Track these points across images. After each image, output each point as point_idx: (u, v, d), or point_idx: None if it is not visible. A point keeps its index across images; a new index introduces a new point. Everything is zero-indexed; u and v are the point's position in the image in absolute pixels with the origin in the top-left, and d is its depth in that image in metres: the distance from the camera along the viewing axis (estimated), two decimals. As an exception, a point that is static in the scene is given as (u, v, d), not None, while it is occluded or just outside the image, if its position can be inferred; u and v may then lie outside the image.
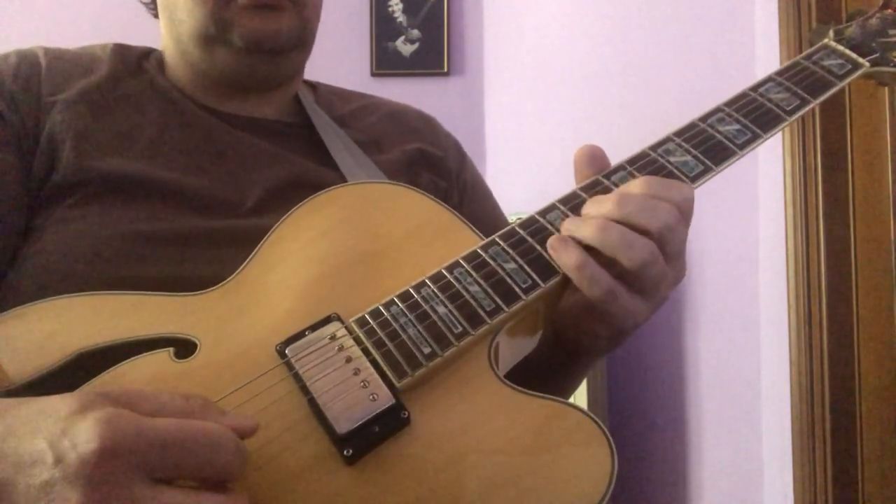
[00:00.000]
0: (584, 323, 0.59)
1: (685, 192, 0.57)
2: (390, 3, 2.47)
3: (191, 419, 0.43)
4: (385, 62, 2.47)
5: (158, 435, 0.40)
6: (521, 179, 2.21)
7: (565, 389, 0.76)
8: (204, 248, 0.67)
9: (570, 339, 0.63)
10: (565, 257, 0.55)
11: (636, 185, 0.57)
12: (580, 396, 1.70)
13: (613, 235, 0.54)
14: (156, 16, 0.82)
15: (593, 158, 0.62)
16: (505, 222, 0.88)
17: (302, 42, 0.77)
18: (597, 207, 0.57)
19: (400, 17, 2.47)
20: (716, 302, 1.58)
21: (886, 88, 1.28)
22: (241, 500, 0.43)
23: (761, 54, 1.43)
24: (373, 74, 2.46)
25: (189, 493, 0.40)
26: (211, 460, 0.41)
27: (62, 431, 0.39)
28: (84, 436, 0.39)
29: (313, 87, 0.89)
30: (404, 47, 2.47)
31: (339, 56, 2.44)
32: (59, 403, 0.42)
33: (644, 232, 0.55)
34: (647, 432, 1.78)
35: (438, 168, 0.85)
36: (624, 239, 0.54)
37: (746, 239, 1.48)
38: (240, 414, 0.48)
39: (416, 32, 2.47)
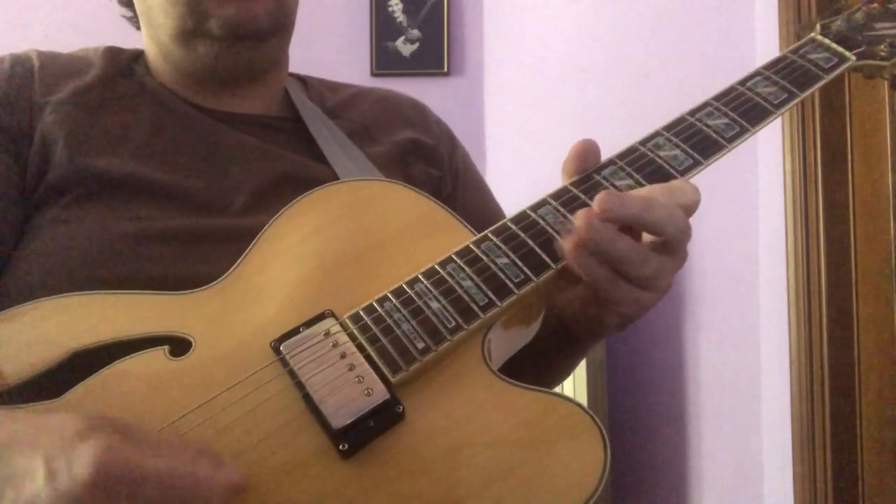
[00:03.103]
0: (591, 311, 0.60)
1: (690, 195, 0.58)
2: (390, 3, 2.47)
3: (186, 466, 0.43)
4: (385, 62, 2.47)
5: (150, 473, 0.41)
6: (521, 179, 2.21)
7: (567, 370, 0.78)
8: (196, 247, 0.67)
9: (578, 327, 0.64)
10: (584, 262, 0.55)
11: (658, 192, 0.58)
12: (580, 397, 1.70)
13: (618, 250, 0.54)
14: (138, 28, 0.83)
15: (587, 154, 0.62)
16: (498, 209, 0.89)
17: (281, 26, 0.76)
18: (620, 204, 0.55)
19: (400, 17, 2.47)
20: (716, 301, 1.58)
21: (887, 88, 1.28)
22: None
23: (761, 54, 1.43)
24: (373, 74, 2.46)
25: None
26: None
27: (60, 450, 0.40)
28: (81, 459, 0.39)
29: (304, 81, 0.89)
30: (404, 47, 2.48)
31: (339, 56, 2.44)
32: (64, 422, 0.42)
33: (659, 234, 0.56)
34: (647, 432, 1.78)
35: (431, 157, 0.85)
36: (627, 250, 0.55)
37: (746, 239, 1.48)
38: (234, 470, 0.47)
39: (416, 32, 2.47)
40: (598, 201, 0.54)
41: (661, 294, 0.59)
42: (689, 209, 0.57)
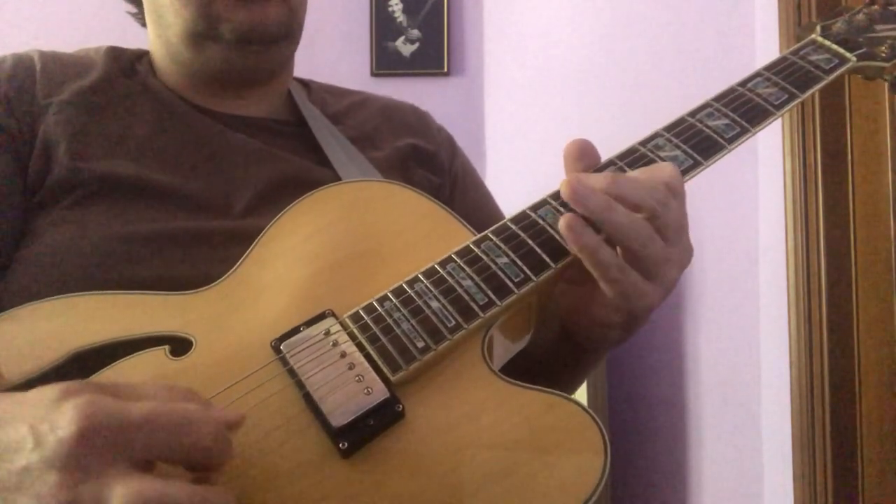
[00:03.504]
0: (597, 312, 0.59)
1: (669, 171, 0.57)
2: (390, 3, 2.47)
3: (172, 405, 0.43)
4: (385, 62, 2.47)
5: (136, 416, 0.40)
6: (521, 179, 2.21)
7: (573, 383, 0.77)
8: (198, 249, 0.67)
9: (582, 333, 0.63)
10: (585, 239, 0.54)
11: (634, 173, 0.58)
12: (580, 396, 1.70)
13: (619, 216, 0.53)
14: (143, 24, 0.82)
15: (583, 154, 0.62)
16: (497, 212, 0.89)
17: (290, 32, 0.77)
18: (593, 181, 0.55)
19: (400, 17, 2.47)
20: (716, 301, 1.58)
21: (887, 88, 1.28)
22: (219, 493, 0.42)
23: (761, 54, 1.43)
24: (373, 74, 2.47)
25: (163, 480, 0.40)
26: (188, 441, 0.41)
27: (42, 417, 0.40)
28: (63, 419, 0.39)
29: (306, 85, 0.90)
30: (404, 47, 2.48)
31: (339, 56, 2.44)
32: (43, 392, 0.42)
33: (637, 208, 0.54)
34: (647, 431, 1.78)
35: (431, 163, 0.85)
36: (627, 218, 0.54)
37: (746, 239, 1.48)
38: (227, 408, 0.47)
39: (416, 32, 2.47)
40: (565, 183, 0.54)
41: (665, 290, 0.57)
42: (671, 187, 0.56)
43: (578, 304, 0.61)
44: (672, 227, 0.56)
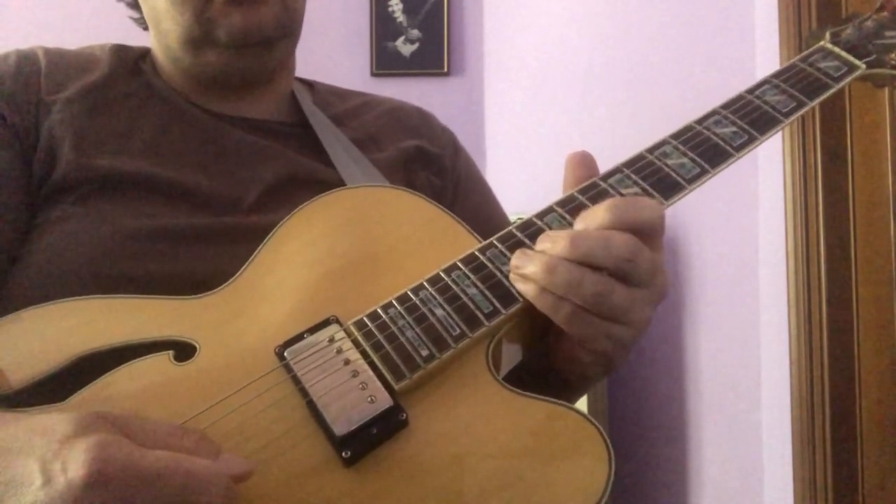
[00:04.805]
0: (567, 350, 0.58)
1: (647, 214, 0.55)
2: (390, 3, 2.47)
3: (184, 456, 0.43)
4: (385, 62, 2.47)
5: (148, 468, 0.40)
6: (521, 179, 2.21)
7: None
8: (203, 246, 0.67)
9: (562, 368, 0.62)
10: (522, 288, 0.55)
11: (596, 217, 0.55)
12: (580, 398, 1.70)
13: (559, 277, 0.52)
14: (146, 29, 0.82)
15: (583, 164, 0.61)
16: (500, 212, 0.88)
17: (288, 31, 0.76)
18: (550, 245, 0.54)
19: (400, 17, 2.47)
20: (716, 302, 1.58)
21: (886, 88, 1.28)
22: None
23: (761, 55, 1.43)
24: (373, 74, 2.46)
25: None
26: (196, 501, 0.41)
27: (55, 453, 0.40)
28: (75, 460, 0.39)
29: (311, 86, 0.89)
30: (404, 47, 2.47)
31: (339, 56, 2.44)
32: (57, 423, 0.42)
33: (599, 268, 0.53)
34: (648, 433, 1.78)
35: (435, 165, 0.85)
36: (571, 278, 0.52)
37: (746, 239, 1.48)
38: (236, 457, 0.46)
39: (416, 32, 2.47)
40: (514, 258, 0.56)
41: (638, 329, 0.55)
42: (644, 227, 0.54)
43: (555, 342, 0.59)
44: (641, 275, 0.54)
